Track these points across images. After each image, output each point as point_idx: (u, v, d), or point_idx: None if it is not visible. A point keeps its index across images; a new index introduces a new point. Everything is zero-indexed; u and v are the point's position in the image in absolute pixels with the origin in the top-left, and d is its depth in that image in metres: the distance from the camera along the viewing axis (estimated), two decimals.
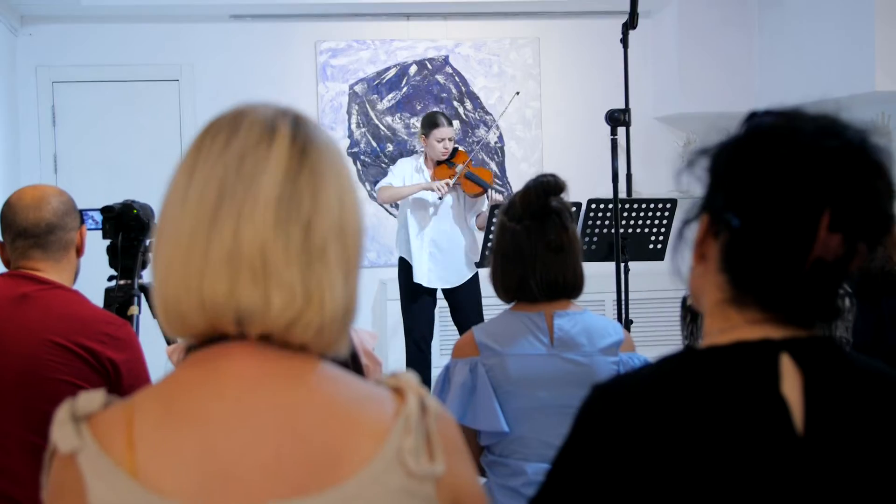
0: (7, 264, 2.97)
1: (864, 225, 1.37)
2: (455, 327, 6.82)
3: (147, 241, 3.41)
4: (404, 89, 8.34)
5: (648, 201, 5.81)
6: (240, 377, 1.26)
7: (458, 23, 8.42)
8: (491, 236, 4.21)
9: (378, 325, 8.22)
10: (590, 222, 5.70)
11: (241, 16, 8.10)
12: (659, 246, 5.86)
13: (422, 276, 6.66)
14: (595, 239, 5.71)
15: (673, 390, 1.37)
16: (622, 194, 4.71)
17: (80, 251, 3.02)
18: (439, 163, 6.67)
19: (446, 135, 6.59)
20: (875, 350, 3.32)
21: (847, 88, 6.95)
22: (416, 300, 6.72)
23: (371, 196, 8.31)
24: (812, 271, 1.37)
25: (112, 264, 3.50)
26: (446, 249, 6.58)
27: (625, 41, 4.50)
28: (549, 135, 8.51)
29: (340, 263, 1.29)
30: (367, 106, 8.30)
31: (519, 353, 2.81)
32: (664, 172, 7.96)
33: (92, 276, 3.88)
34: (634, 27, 4.49)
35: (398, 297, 7.36)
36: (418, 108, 8.34)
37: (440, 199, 6.59)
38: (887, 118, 7.02)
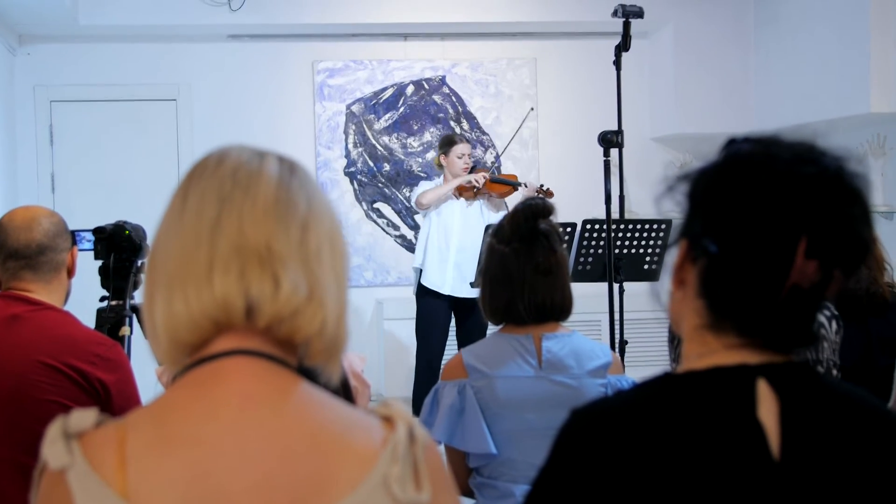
0: None
1: (840, 251, 1.38)
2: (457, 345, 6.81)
3: (139, 262, 3.41)
4: (401, 109, 8.37)
5: (643, 222, 5.81)
6: (231, 400, 1.27)
7: (455, 43, 8.45)
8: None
9: (375, 345, 8.21)
10: (585, 243, 5.70)
11: (239, 36, 8.13)
12: (654, 266, 5.86)
13: (444, 286, 6.69)
14: (590, 259, 5.72)
15: (650, 415, 1.37)
16: (615, 215, 4.72)
17: (71, 272, 3.03)
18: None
19: (465, 150, 6.76)
20: (863, 371, 3.33)
21: (842, 110, 6.98)
22: (432, 312, 6.74)
23: (368, 216, 8.33)
24: (789, 297, 1.38)
25: (104, 285, 3.50)
26: (471, 258, 6.58)
27: (617, 63, 4.52)
28: (546, 155, 8.53)
29: (333, 270, 1.34)
30: (364, 126, 8.33)
31: (507, 375, 2.81)
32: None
33: (84, 296, 3.89)
34: (627, 49, 4.52)
35: (396, 316, 7.37)
36: (415, 127, 8.36)
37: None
38: (882, 139, 7.03)
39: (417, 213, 7.45)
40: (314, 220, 1.34)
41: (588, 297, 6.53)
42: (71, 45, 7.98)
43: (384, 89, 8.36)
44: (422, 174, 8.20)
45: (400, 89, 8.39)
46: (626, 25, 4.51)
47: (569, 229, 5.79)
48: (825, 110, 7.20)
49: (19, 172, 7.86)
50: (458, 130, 8.33)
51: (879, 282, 3.48)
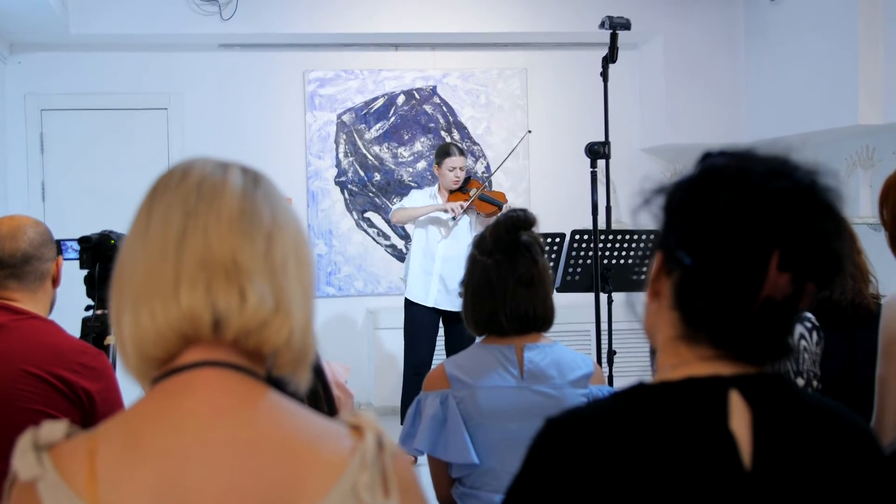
0: None
1: (813, 265, 1.39)
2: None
3: None
4: (392, 119, 8.38)
5: (632, 232, 5.82)
6: (200, 410, 1.28)
7: (446, 53, 8.47)
8: None
9: (366, 354, 8.22)
10: (573, 253, 5.71)
11: (230, 45, 8.14)
12: (643, 277, 5.85)
13: (427, 298, 6.70)
14: (579, 270, 5.72)
15: (623, 425, 1.38)
16: (602, 225, 4.74)
17: (56, 281, 3.03)
18: (453, 191, 6.76)
19: (457, 164, 6.71)
20: (848, 383, 3.33)
21: (831, 122, 7.01)
22: (419, 324, 6.75)
23: (358, 225, 8.34)
24: (762, 310, 1.39)
25: (89, 294, 3.51)
26: (457, 271, 6.58)
27: (605, 75, 4.54)
28: (537, 165, 8.55)
29: (299, 281, 1.35)
30: (355, 135, 8.34)
31: (489, 385, 2.82)
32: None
33: (69, 305, 3.89)
34: (614, 61, 4.54)
35: (386, 325, 7.38)
36: (406, 137, 8.38)
37: (454, 219, 6.66)
38: (871, 151, 7.06)
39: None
40: (279, 232, 1.34)
41: (578, 307, 6.56)
42: (62, 54, 7.98)
43: (375, 99, 8.38)
44: (412, 184, 8.22)
45: (391, 99, 8.40)
46: (614, 37, 4.53)
47: (557, 239, 5.80)
48: (814, 122, 7.23)
49: (10, 181, 7.86)
50: (448, 140, 8.35)
51: (864, 293, 3.48)
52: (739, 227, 1.37)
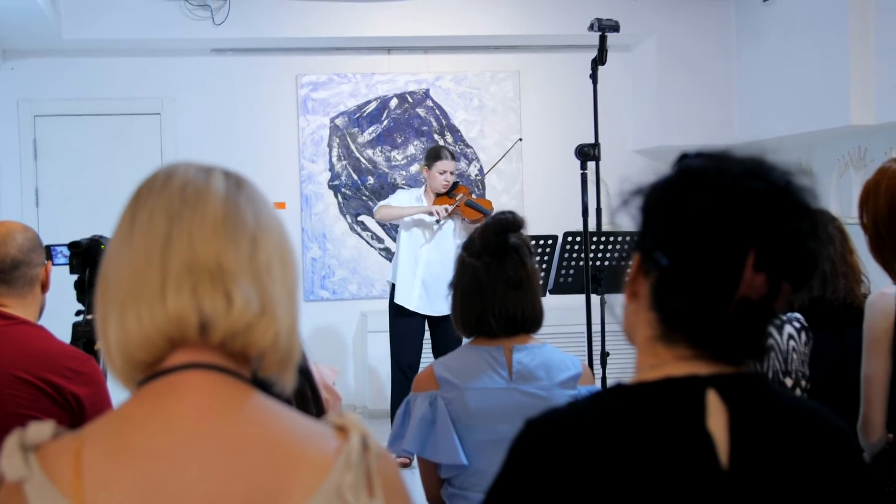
0: None
1: (788, 265, 1.40)
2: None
3: None
4: (385, 122, 8.39)
5: (624, 234, 5.83)
6: (187, 412, 1.29)
7: (439, 56, 8.48)
8: None
9: (359, 357, 8.23)
10: (566, 255, 5.72)
11: (223, 50, 8.15)
12: None
13: (410, 301, 6.71)
14: (571, 271, 5.74)
15: (601, 425, 1.39)
16: (593, 227, 4.75)
17: (45, 287, 3.04)
18: (440, 195, 6.76)
19: (447, 168, 6.70)
20: (838, 383, 3.34)
21: (823, 122, 7.03)
22: (404, 327, 6.75)
23: (352, 229, 8.34)
24: (738, 310, 1.40)
25: (80, 299, 3.52)
26: (439, 276, 6.60)
27: (594, 77, 4.55)
28: (530, 167, 8.56)
29: (284, 283, 1.36)
30: (348, 139, 8.35)
31: (478, 386, 2.83)
32: None
33: (60, 310, 3.90)
34: (603, 63, 4.55)
35: (380, 328, 7.38)
36: (399, 140, 8.39)
37: (437, 222, 6.67)
38: (863, 151, 7.08)
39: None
40: (263, 235, 1.36)
41: (571, 308, 6.56)
42: (55, 60, 7.99)
43: (368, 102, 8.39)
44: (405, 187, 8.22)
45: (384, 102, 8.41)
46: (603, 39, 4.54)
47: (550, 242, 5.81)
48: (806, 122, 7.25)
49: (3, 187, 7.87)
50: (441, 143, 8.35)
51: (856, 293, 3.49)
52: (715, 228, 1.38)
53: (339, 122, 8.34)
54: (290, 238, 1.42)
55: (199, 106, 8.18)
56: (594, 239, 5.39)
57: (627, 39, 8.28)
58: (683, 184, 1.43)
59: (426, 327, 6.84)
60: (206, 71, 8.21)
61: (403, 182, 8.34)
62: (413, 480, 3.05)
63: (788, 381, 2.92)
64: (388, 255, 8.35)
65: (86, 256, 3.49)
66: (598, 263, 5.56)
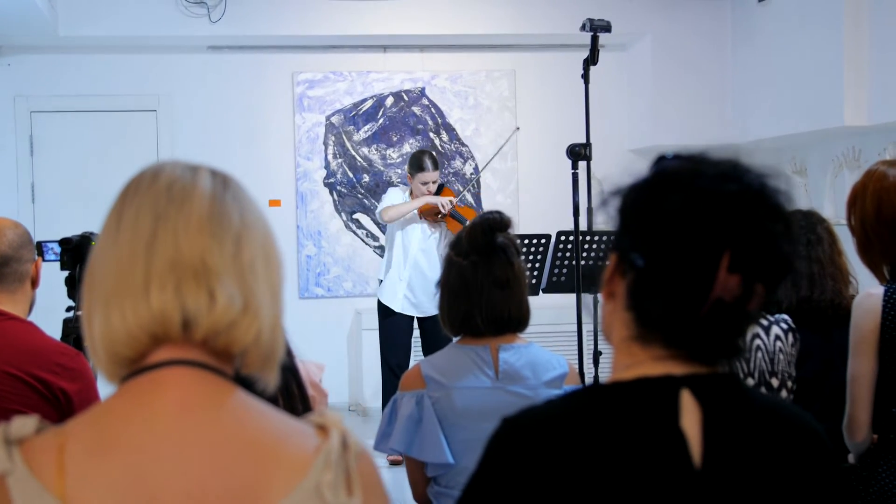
0: None
1: (762, 266, 1.41)
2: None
3: None
4: (381, 120, 8.40)
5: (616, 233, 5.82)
6: (169, 408, 1.30)
7: (435, 55, 8.49)
8: None
9: (354, 355, 8.23)
10: (559, 254, 5.73)
11: (219, 47, 8.16)
12: None
13: (395, 302, 6.72)
14: (564, 271, 5.74)
15: (576, 424, 1.41)
16: (584, 227, 4.76)
17: (35, 283, 3.04)
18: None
19: (430, 178, 6.69)
20: (825, 383, 3.35)
21: (817, 123, 7.05)
22: (393, 326, 6.77)
23: (347, 226, 8.35)
24: (712, 311, 1.41)
25: (70, 295, 3.53)
26: (426, 278, 6.63)
27: (586, 77, 4.56)
28: (525, 166, 8.57)
29: (267, 281, 1.37)
30: (344, 137, 8.36)
31: (465, 385, 2.84)
32: None
33: (51, 307, 3.91)
34: (595, 63, 4.56)
35: (375, 326, 7.38)
36: (395, 139, 8.40)
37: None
38: (857, 152, 7.08)
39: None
40: (247, 233, 1.37)
41: (565, 308, 6.57)
42: (51, 56, 7.99)
43: (364, 101, 8.40)
44: (399, 185, 8.22)
45: (379, 101, 8.42)
46: (595, 39, 4.55)
47: (543, 241, 5.82)
48: (801, 123, 7.26)
49: None
50: (437, 142, 8.37)
51: (844, 294, 3.50)
52: (690, 229, 1.39)
53: (334, 119, 8.35)
54: (275, 237, 1.43)
55: (195, 103, 8.18)
56: (587, 238, 5.40)
57: (623, 39, 8.29)
58: (659, 185, 1.45)
59: (415, 326, 6.85)
60: (202, 68, 8.22)
61: (399, 180, 8.35)
62: (402, 478, 3.07)
63: (775, 382, 2.93)
64: (383, 252, 8.35)
65: (76, 253, 3.50)
66: (590, 263, 5.56)
